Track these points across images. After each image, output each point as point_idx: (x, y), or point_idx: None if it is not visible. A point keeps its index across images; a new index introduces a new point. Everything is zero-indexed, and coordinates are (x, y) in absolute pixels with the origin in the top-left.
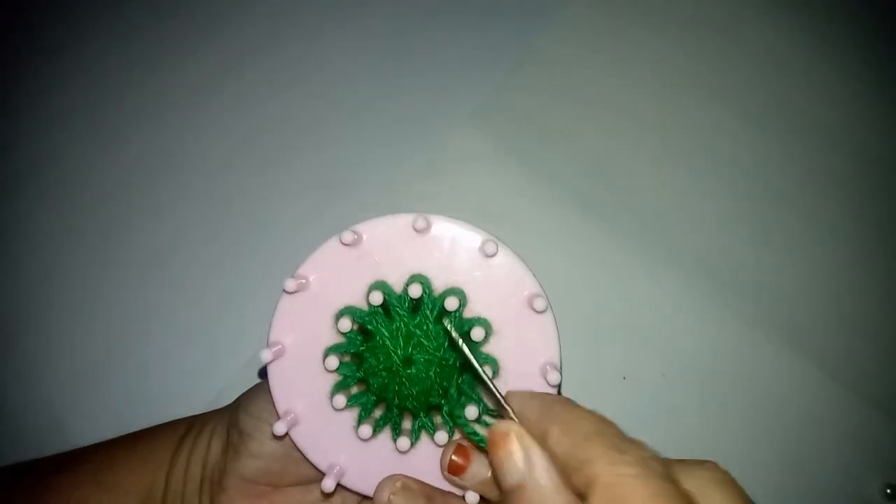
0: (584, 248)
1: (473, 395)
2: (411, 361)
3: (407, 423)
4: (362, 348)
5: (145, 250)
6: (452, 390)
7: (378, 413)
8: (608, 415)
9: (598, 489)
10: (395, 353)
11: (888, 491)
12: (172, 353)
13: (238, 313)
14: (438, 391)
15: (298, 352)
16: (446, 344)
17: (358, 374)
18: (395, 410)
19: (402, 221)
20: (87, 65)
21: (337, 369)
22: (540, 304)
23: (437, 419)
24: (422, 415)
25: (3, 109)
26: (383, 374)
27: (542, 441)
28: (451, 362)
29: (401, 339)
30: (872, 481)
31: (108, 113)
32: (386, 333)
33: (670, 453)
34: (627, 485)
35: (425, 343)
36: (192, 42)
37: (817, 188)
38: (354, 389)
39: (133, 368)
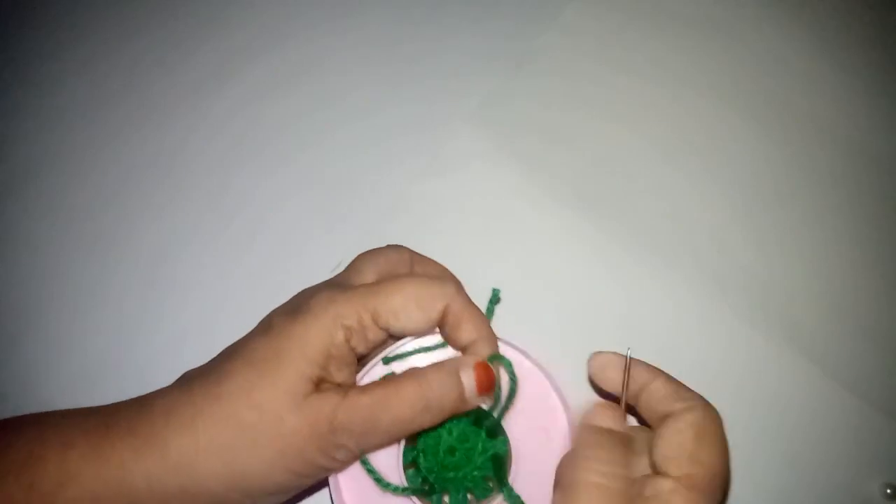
0: (583, 247)
1: (501, 487)
2: (454, 450)
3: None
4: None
5: (145, 250)
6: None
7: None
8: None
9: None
10: (444, 441)
11: (888, 491)
12: (172, 353)
13: (238, 313)
14: (472, 478)
15: None
16: (481, 441)
17: (411, 456)
18: (435, 488)
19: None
20: (87, 65)
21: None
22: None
23: (470, 497)
24: (458, 494)
25: (3, 109)
26: (431, 458)
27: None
28: (484, 456)
29: (450, 431)
30: (872, 481)
31: (108, 113)
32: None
33: None
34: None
35: (469, 437)
36: (193, 42)
37: (818, 188)
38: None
39: (133, 368)
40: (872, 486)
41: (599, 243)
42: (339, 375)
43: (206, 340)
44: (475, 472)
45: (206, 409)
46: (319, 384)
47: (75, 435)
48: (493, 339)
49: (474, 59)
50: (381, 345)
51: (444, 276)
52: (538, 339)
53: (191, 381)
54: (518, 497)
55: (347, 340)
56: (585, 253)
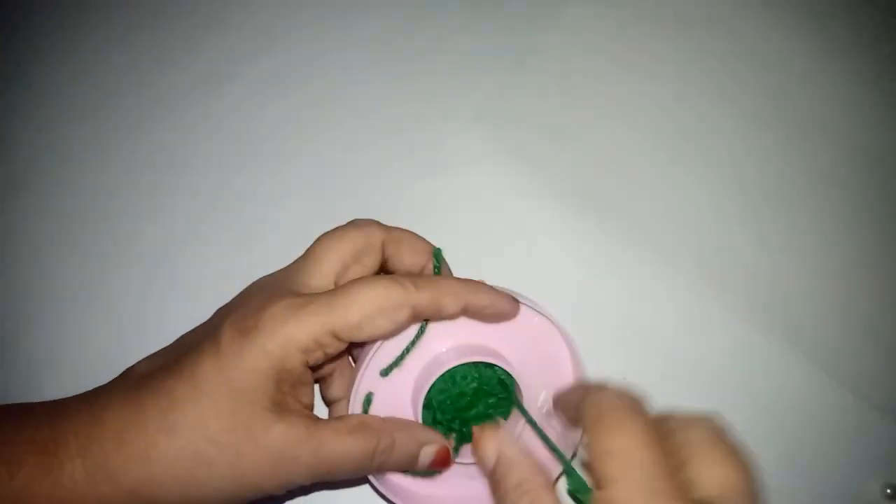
0: (583, 247)
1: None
2: (464, 395)
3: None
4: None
5: (146, 250)
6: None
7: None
8: None
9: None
10: (456, 387)
11: (888, 491)
12: None
13: None
14: (481, 416)
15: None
16: (485, 382)
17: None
18: (444, 425)
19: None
20: (87, 64)
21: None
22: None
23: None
24: (464, 432)
25: (3, 109)
26: (443, 399)
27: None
28: (490, 404)
29: (466, 377)
30: (872, 481)
31: (108, 112)
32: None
33: None
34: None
35: (476, 379)
36: (192, 42)
37: (819, 187)
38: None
39: None
40: (872, 486)
41: (600, 242)
42: (297, 395)
43: None
44: (490, 402)
45: (160, 441)
46: (279, 406)
47: (23, 452)
48: (473, 286)
49: (475, 57)
50: (345, 352)
51: (405, 277)
52: None
53: (140, 393)
54: (533, 421)
55: (304, 363)
56: (586, 251)
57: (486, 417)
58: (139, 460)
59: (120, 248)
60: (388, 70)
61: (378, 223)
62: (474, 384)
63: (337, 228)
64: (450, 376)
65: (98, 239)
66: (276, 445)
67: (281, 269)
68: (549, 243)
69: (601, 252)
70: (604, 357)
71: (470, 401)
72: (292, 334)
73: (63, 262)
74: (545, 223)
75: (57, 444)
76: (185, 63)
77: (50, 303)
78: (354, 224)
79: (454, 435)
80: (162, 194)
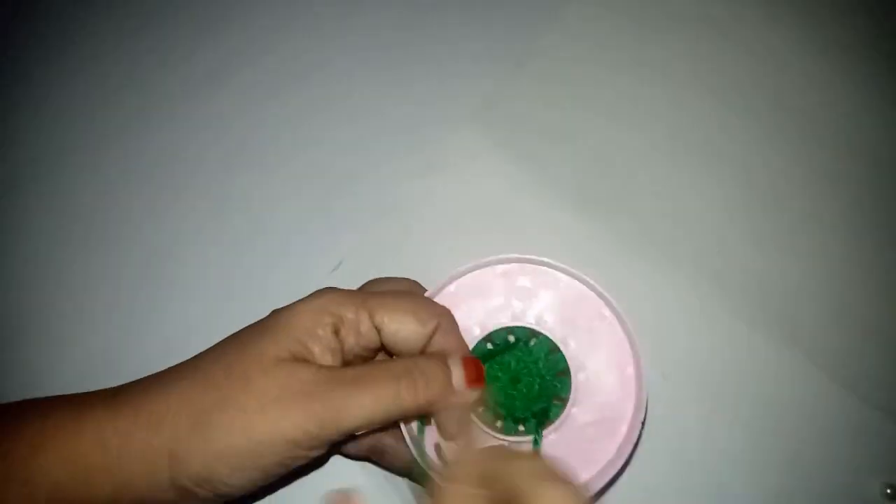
0: (583, 247)
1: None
2: (518, 380)
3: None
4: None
5: (146, 250)
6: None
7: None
8: None
9: None
10: (505, 374)
11: (888, 491)
12: (173, 354)
13: (240, 314)
14: (538, 403)
15: None
16: (541, 366)
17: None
18: (510, 418)
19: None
20: (87, 64)
21: None
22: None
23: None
24: (527, 422)
25: (3, 109)
26: (499, 386)
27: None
28: (547, 380)
29: (511, 363)
30: (872, 481)
31: (109, 113)
32: (497, 360)
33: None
34: None
35: (529, 367)
36: (193, 42)
37: (818, 188)
38: None
39: (134, 369)
40: (872, 486)
41: (599, 241)
42: (323, 358)
43: (206, 341)
44: (542, 381)
45: (182, 372)
46: (299, 359)
47: (60, 402)
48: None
49: (475, 59)
50: (373, 350)
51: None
52: None
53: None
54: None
55: (336, 330)
56: (584, 251)
57: (544, 399)
58: (159, 393)
59: (120, 249)
60: (388, 71)
61: (419, 283)
62: (524, 363)
63: (388, 276)
64: (499, 364)
65: (98, 239)
66: (286, 372)
67: None
68: (548, 243)
69: (600, 252)
70: None
71: (528, 383)
72: (333, 298)
73: (63, 262)
74: (544, 223)
75: (95, 394)
76: (186, 64)
77: (49, 302)
78: (404, 278)
79: (525, 425)
80: (161, 196)
